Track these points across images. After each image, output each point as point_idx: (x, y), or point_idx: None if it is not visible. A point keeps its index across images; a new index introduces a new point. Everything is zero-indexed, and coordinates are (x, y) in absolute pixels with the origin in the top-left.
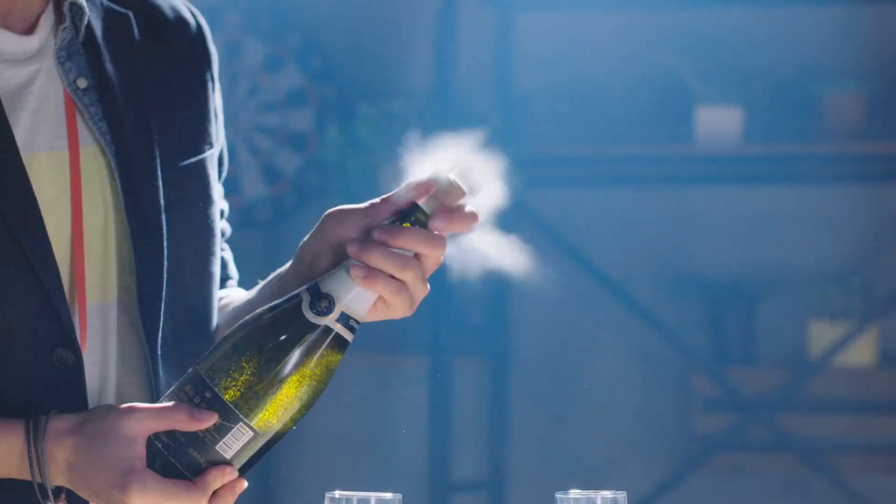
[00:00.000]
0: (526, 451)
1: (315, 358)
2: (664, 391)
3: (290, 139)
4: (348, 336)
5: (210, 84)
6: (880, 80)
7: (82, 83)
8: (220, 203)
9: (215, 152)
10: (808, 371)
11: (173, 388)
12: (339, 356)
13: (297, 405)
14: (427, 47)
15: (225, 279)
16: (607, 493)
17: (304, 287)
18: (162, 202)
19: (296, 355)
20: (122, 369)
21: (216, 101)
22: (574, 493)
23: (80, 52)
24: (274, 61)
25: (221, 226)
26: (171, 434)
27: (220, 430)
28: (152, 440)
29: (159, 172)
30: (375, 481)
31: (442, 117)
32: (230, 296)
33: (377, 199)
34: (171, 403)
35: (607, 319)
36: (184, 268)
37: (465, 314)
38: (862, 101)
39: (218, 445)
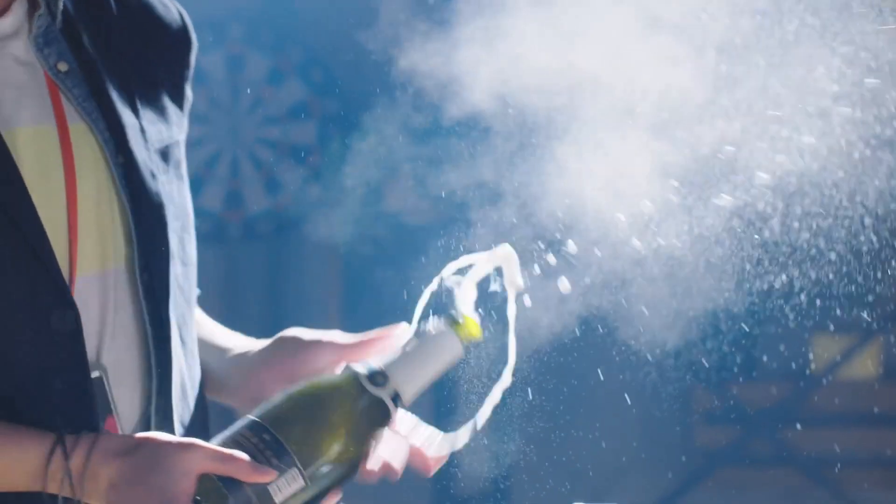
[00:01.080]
0: (529, 465)
1: (363, 421)
2: (666, 405)
3: (292, 152)
4: (393, 412)
5: (187, 70)
6: None
7: (63, 66)
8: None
9: (183, 138)
10: (811, 385)
11: (228, 433)
12: (382, 430)
13: (343, 463)
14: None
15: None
16: None
17: (363, 363)
18: (157, 177)
19: (349, 416)
20: (119, 342)
21: (190, 85)
22: None
23: (58, 38)
24: (276, 75)
25: None
26: None
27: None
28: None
29: (151, 149)
30: (378, 494)
31: (443, 131)
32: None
33: (347, 340)
34: (235, 452)
35: (610, 333)
36: (173, 244)
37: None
38: None
39: (270, 486)
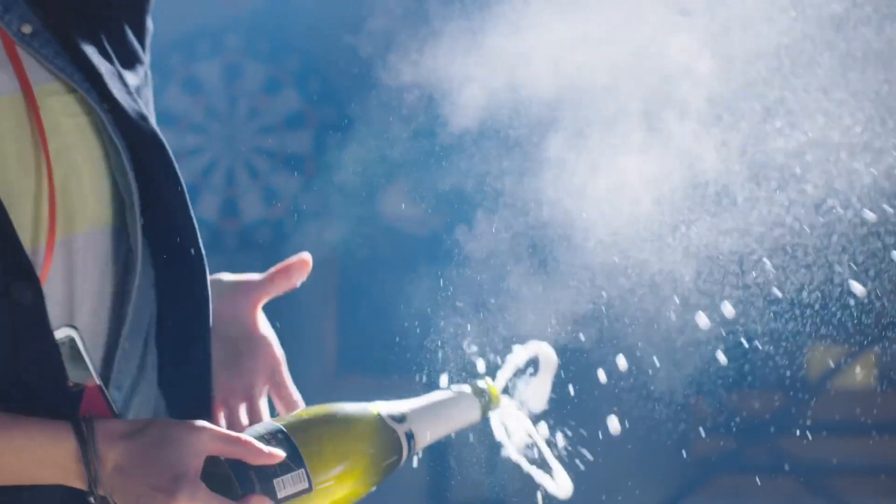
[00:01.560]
0: (525, 474)
1: (374, 445)
2: (664, 414)
3: (289, 161)
4: (404, 449)
5: (148, 2)
6: None
7: (27, 29)
8: None
9: (150, 74)
10: (808, 393)
11: (249, 430)
12: (392, 464)
13: (348, 481)
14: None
15: None
16: None
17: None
18: (148, 119)
19: (362, 436)
20: (91, 306)
21: (149, 21)
22: None
23: (17, 2)
24: (273, 84)
25: None
26: None
27: (282, 468)
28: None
29: (133, 92)
30: (374, 501)
31: (441, 139)
32: None
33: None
34: (243, 435)
35: (606, 341)
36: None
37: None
38: None
39: (276, 480)
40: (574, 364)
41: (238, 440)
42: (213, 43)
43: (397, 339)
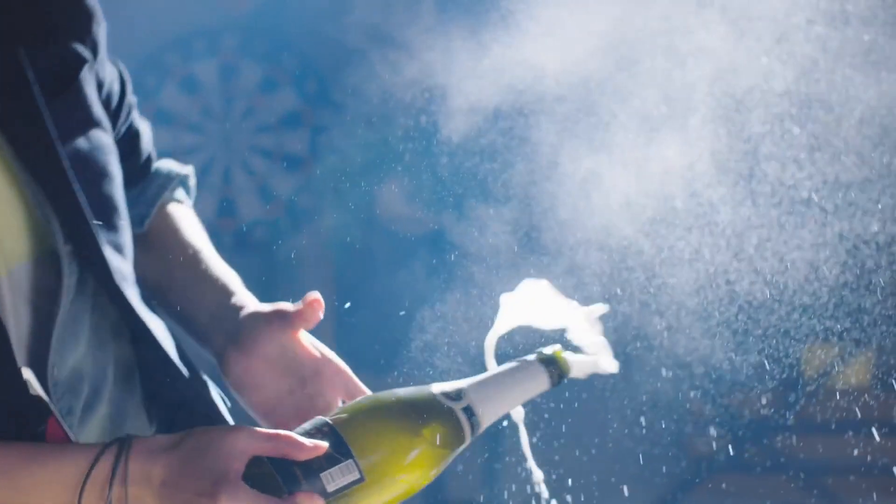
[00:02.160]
0: (521, 472)
1: (427, 424)
2: (660, 413)
3: (286, 161)
4: (467, 429)
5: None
6: None
7: None
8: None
9: (91, 66)
10: (804, 393)
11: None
12: (452, 444)
13: (403, 467)
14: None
15: (144, 170)
16: None
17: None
18: (59, 147)
19: (413, 417)
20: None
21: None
22: None
23: None
24: (270, 83)
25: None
26: None
27: (329, 460)
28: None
29: (45, 111)
30: None
31: (437, 142)
32: (177, 219)
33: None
34: (282, 431)
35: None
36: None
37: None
38: None
39: (323, 474)
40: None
41: (278, 436)
42: (209, 42)
43: (395, 337)
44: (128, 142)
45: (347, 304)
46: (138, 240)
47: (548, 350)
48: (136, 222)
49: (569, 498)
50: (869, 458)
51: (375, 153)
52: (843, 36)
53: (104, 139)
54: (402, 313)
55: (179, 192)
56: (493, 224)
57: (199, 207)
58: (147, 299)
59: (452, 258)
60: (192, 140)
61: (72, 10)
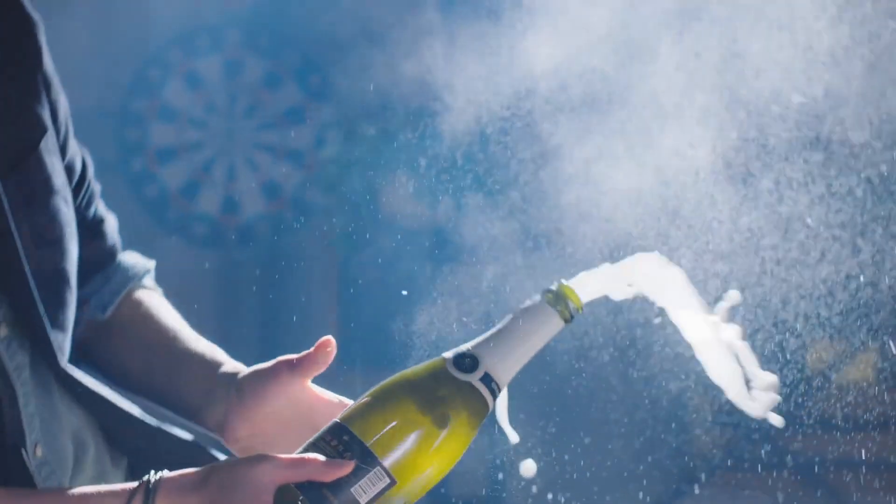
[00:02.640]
0: (519, 470)
1: (450, 409)
2: (661, 409)
3: (289, 156)
4: (489, 398)
5: (36, 55)
6: None
7: None
8: (72, 176)
9: (52, 135)
10: (807, 389)
11: (310, 440)
12: (476, 418)
13: (432, 457)
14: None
15: (110, 257)
16: None
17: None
18: (12, 224)
19: (433, 405)
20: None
21: (47, 67)
22: None
23: None
24: (273, 79)
25: (93, 187)
26: None
27: (356, 473)
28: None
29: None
30: None
31: (441, 135)
32: (151, 304)
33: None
34: (306, 454)
35: (604, 339)
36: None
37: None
38: None
39: (353, 488)
40: (575, 364)
41: (302, 461)
42: (212, 38)
43: (399, 332)
44: (94, 227)
45: (352, 290)
46: (101, 327)
47: (553, 286)
48: (98, 309)
49: (568, 496)
50: (874, 454)
51: (378, 148)
52: (847, 32)
53: (63, 208)
54: (403, 310)
55: (148, 280)
56: (495, 218)
57: (202, 203)
58: (115, 382)
59: (455, 253)
60: (195, 135)
61: (26, 83)
